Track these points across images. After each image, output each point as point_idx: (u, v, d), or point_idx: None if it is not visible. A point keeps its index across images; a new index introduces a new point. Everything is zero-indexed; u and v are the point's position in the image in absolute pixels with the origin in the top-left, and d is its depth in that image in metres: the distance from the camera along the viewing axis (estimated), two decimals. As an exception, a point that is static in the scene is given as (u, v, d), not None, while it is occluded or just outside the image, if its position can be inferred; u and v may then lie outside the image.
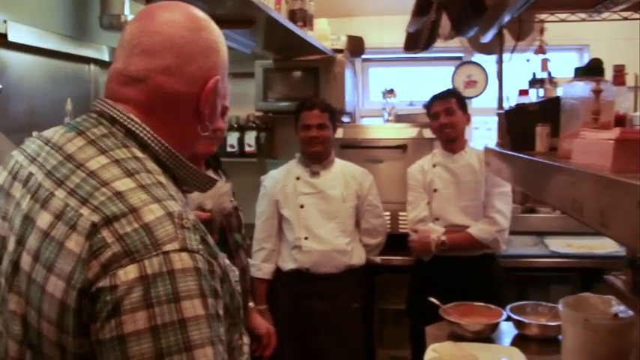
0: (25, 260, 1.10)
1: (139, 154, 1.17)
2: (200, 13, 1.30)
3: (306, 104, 3.63)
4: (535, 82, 3.92)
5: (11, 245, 1.15)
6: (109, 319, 1.00)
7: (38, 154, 1.22)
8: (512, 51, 2.74)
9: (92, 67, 3.72)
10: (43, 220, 1.10)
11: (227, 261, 1.26)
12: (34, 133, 1.30)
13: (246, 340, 1.37)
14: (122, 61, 1.23)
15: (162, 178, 1.15)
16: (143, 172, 1.13)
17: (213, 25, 1.30)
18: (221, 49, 1.31)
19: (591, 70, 1.78)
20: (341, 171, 3.67)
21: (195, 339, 1.01)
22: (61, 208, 1.09)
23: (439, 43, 3.56)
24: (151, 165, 1.17)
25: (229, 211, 2.31)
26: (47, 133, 1.26)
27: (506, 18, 2.46)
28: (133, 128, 1.19)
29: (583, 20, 2.65)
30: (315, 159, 3.63)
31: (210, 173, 2.20)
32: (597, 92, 1.64)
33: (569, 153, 1.56)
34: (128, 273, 1.00)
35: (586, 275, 3.76)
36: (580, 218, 1.26)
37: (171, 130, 1.24)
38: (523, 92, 2.62)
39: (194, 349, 1.01)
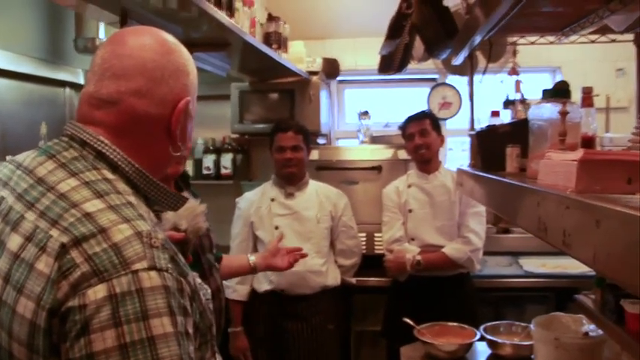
0: None
1: (110, 176, 1.18)
2: (170, 37, 1.32)
3: (280, 126, 3.65)
4: (508, 104, 3.97)
5: None
6: (79, 338, 1.00)
7: (10, 178, 1.23)
8: (484, 72, 2.79)
9: (67, 90, 3.71)
10: (14, 242, 1.11)
11: (198, 280, 1.26)
12: (8, 157, 1.30)
13: (219, 358, 1.37)
14: (93, 85, 1.24)
15: (132, 199, 1.16)
16: (113, 193, 1.14)
17: (182, 49, 1.33)
18: (191, 71, 1.33)
19: (558, 93, 1.82)
20: (315, 192, 3.68)
21: (164, 356, 1.02)
22: (31, 230, 1.10)
23: (413, 65, 3.60)
24: (122, 186, 1.18)
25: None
26: (19, 157, 1.27)
27: (477, 40, 2.50)
28: (103, 150, 1.20)
29: (552, 43, 2.70)
30: (290, 180, 3.64)
31: (186, 194, 2.20)
32: (563, 114, 1.67)
33: (537, 174, 1.58)
34: (97, 292, 1.01)
35: (560, 295, 3.78)
36: (544, 238, 1.28)
37: (143, 152, 1.25)
38: (495, 113, 2.66)
39: None
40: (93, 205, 1.10)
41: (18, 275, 1.08)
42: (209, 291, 1.36)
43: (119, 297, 1.01)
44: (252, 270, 2.90)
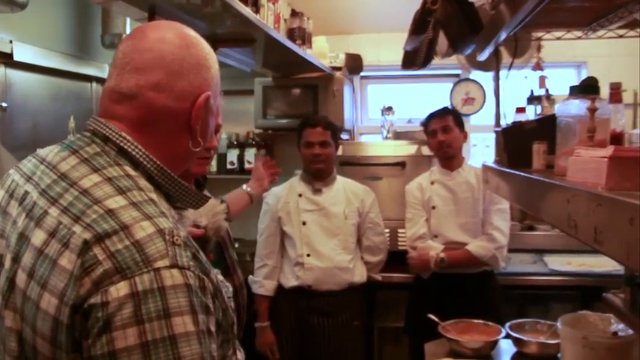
0: (20, 277, 1.12)
1: (131, 172, 1.18)
2: (190, 32, 1.31)
3: (309, 122, 3.65)
4: (533, 99, 3.94)
5: (7, 263, 1.16)
6: (101, 335, 1.00)
7: (34, 172, 1.24)
8: (509, 68, 2.76)
9: (94, 84, 3.76)
10: (38, 237, 1.12)
11: (220, 277, 1.27)
12: (38, 150, 1.32)
13: (240, 355, 1.38)
14: (114, 79, 1.25)
15: (153, 196, 1.16)
16: (135, 189, 1.14)
17: (203, 43, 1.32)
18: (212, 65, 1.32)
19: (587, 89, 1.79)
20: (343, 188, 3.69)
21: (185, 355, 1.02)
22: (55, 226, 1.10)
23: (437, 61, 3.58)
24: (143, 182, 1.18)
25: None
26: (42, 152, 1.28)
27: (502, 36, 2.48)
28: (125, 146, 1.21)
29: (579, 38, 2.67)
30: (318, 176, 3.64)
31: (205, 193, 2.22)
32: (592, 110, 1.65)
33: (565, 170, 1.57)
34: (119, 290, 1.01)
35: (586, 293, 3.75)
36: (575, 235, 1.27)
37: (163, 147, 1.25)
38: (520, 110, 2.64)
39: None
40: (115, 202, 1.10)
41: (42, 271, 1.08)
42: (230, 289, 1.36)
43: (141, 295, 1.01)
44: (251, 200, 3.18)
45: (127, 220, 1.07)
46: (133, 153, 1.21)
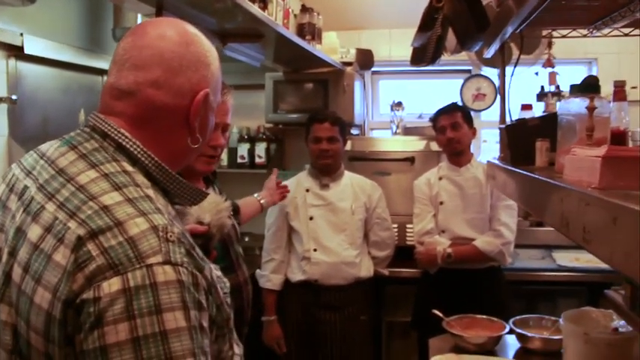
0: (16, 272, 1.14)
1: (129, 168, 1.20)
2: (190, 28, 1.32)
3: (317, 117, 3.66)
4: (543, 96, 3.94)
5: (4, 256, 1.19)
6: (92, 330, 1.02)
7: (33, 167, 1.26)
8: (515, 65, 2.76)
9: (105, 78, 3.77)
10: (34, 232, 1.14)
11: (218, 273, 1.28)
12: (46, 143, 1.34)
13: (237, 350, 1.39)
14: (114, 76, 1.26)
15: (150, 192, 1.17)
16: (131, 185, 1.16)
17: (203, 40, 1.33)
18: (211, 62, 1.32)
19: (586, 87, 1.80)
20: (350, 183, 3.70)
21: (176, 350, 1.03)
22: (51, 222, 1.12)
23: (447, 57, 3.59)
24: (140, 179, 1.19)
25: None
26: (43, 147, 1.30)
27: (508, 33, 2.48)
28: (124, 142, 1.22)
29: (584, 36, 2.67)
30: (325, 171, 3.66)
31: (210, 191, 2.24)
32: (591, 109, 1.66)
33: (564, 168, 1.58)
34: (112, 285, 1.03)
35: (593, 289, 3.74)
36: (567, 234, 1.28)
37: (162, 144, 1.27)
38: (526, 107, 2.64)
39: None
40: (111, 198, 1.11)
41: (37, 266, 1.10)
42: (228, 284, 1.37)
43: (133, 290, 1.03)
44: (262, 208, 3.18)
45: (122, 216, 1.09)
46: (131, 149, 1.22)
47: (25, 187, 1.24)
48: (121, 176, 1.17)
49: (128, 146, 1.22)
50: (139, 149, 1.23)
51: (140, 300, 1.03)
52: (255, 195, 3.18)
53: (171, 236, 1.10)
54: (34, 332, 1.09)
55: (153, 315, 1.03)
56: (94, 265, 1.04)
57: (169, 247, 1.08)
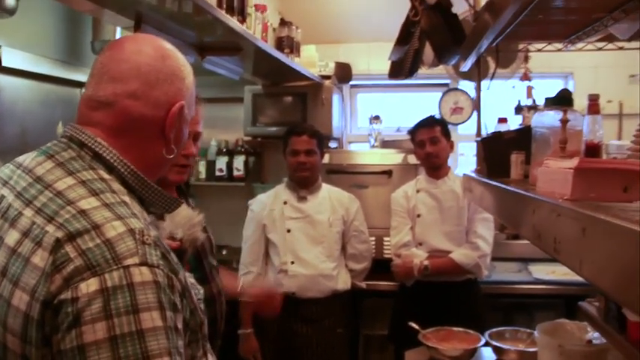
0: None
1: (105, 176, 1.22)
2: (166, 44, 1.37)
3: (295, 130, 3.67)
4: (520, 109, 3.97)
5: None
6: (70, 329, 1.04)
7: (10, 177, 1.28)
8: (491, 78, 2.79)
9: (83, 90, 3.76)
10: (11, 237, 1.16)
11: (191, 280, 1.29)
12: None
13: (211, 359, 1.39)
14: (92, 88, 1.29)
15: (126, 198, 1.20)
16: (108, 192, 1.18)
17: (178, 55, 1.37)
18: (186, 76, 1.37)
19: (560, 100, 1.83)
20: (328, 196, 3.71)
21: (153, 349, 1.05)
22: (28, 226, 1.14)
23: (425, 70, 3.61)
24: (117, 186, 1.22)
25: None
26: (20, 158, 1.32)
27: (483, 47, 2.51)
28: (100, 151, 1.25)
29: (559, 50, 2.70)
30: (303, 184, 3.66)
31: (183, 205, 2.23)
32: (564, 122, 1.69)
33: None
34: (89, 286, 1.05)
35: (570, 302, 3.76)
36: (539, 245, 1.30)
37: (138, 153, 1.29)
38: (502, 120, 2.67)
39: (152, 358, 1.05)
40: (88, 203, 1.14)
41: (14, 269, 1.12)
42: (201, 291, 1.38)
43: (110, 290, 1.05)
44: (237, 295, 2.78)
45: (99, 219, 1.11)
46: (108, 157, 1.25)
47: (2, 197, 1.25)
48: (98, 183, 1.19)
49: (105, 155, 1.25)
50: (115, 157, 1.25)
51: (117, 300, 1.05)
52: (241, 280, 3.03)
53: (147, 239, 1.12)
54: (10, 334, 1.11)
55: (130, 314, 1.04)
56: (72, 266, 1.06)
57: (146, 249, 1.11)
